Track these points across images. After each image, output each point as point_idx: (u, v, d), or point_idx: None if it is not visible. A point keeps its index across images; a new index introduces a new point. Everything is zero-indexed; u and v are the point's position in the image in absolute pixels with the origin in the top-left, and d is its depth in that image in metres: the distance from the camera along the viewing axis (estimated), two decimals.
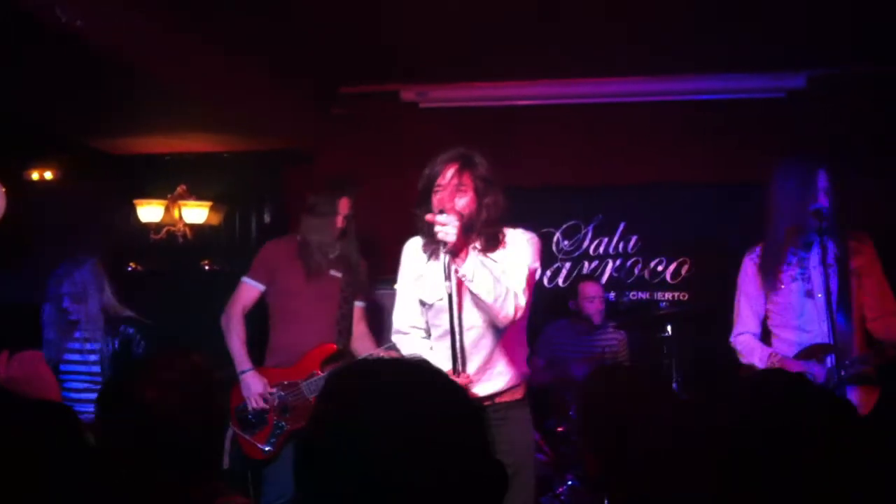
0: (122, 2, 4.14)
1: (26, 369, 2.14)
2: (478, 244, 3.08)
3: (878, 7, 4.46)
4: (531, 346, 5.16)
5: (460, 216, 2.95)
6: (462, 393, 1.31)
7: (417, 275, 3.24)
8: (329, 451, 1.18)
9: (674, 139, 6.00)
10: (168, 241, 6.41)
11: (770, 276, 3.66)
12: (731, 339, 3.84)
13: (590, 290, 5.42)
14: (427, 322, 3.26)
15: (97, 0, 4.01)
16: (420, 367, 1.31)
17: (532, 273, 3.14)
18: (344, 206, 4.38)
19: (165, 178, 6.45)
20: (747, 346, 3.77)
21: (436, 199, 3.05)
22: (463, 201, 3.05)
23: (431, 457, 1.16)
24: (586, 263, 6.22)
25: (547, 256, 6.27)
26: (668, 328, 5.02)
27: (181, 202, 6.40)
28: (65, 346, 4.13)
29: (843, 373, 3.40)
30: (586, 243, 6.26)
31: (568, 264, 6.24)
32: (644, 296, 6.15)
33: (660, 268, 6.14)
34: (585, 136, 6.12)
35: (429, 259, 3.19)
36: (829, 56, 5.46)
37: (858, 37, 5.00)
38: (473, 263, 2.92)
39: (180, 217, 6.42)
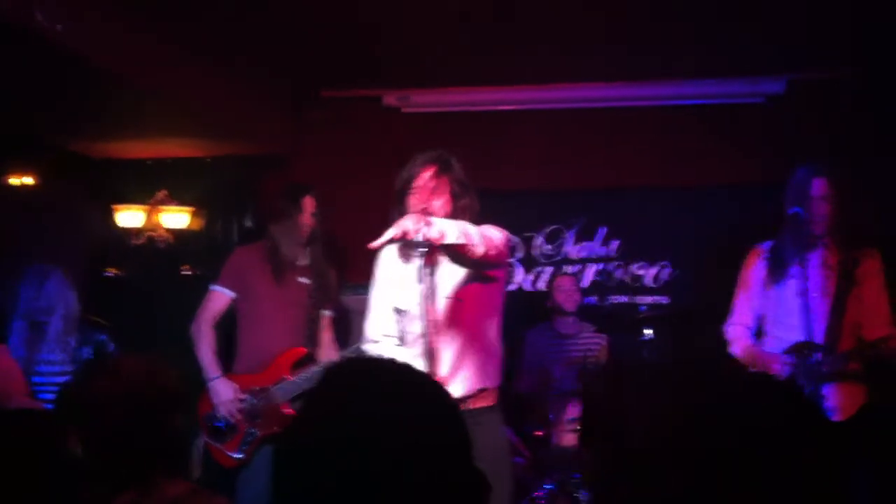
0: (102, 7, 4.12)
1: None
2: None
3: (857, 12, 4.50)
4: (514, 355, 5.23)
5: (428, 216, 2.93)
6: (449, 395, 1.31)
7: (393, 280, 3.21)
8: (315, 451, 1.17)
9: (654, 144, 6.04)
10: (148, 246, 6.38)
11: (774, 273, 3.74)
12: (724, 326, 3.90)
13: (562, 282, 5.45)
14: (401, 330, 3.22)
15: (77, 5, 4.00)
16: (410, 368, 1.31)
17: (501, 272, 3.13)
18: (309, 204, 4.36)
19: (146, 183, 6.42)
20: (733, 334, 3.86)
21: (412, 201, 3.04)
22: (439, 203, 3.04)
23: (420, 458, 1.16)
24: (567, 267, 6.24)
25: (528, 260, 6.29)
26: (649, 331, 5.03)
27: (162, 207, 6.38)
28: (35, 359, 4.10)
29: (824, 369, 3.44)
30: (567, 247, 6.28)
31: (549, 268, 6.26)
32: (625, 299, 6.17)
33: (640, 272, 6.17)
34: (566, 140, 6.14)
35: (405, 264, 3.16)
36: (808, 61, 5.50)
37: (838, 41, 5.04)
38: (441, 222, 2.82)
39: (161, 222, 6.39)
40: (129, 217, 6.33)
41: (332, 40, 5.02)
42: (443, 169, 3.08)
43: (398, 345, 3.22)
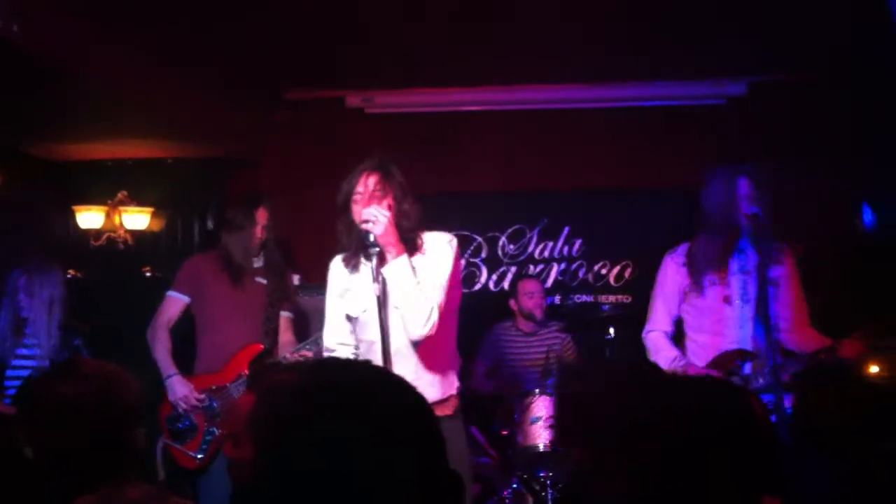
0: (58, 8, 4.06)
1: None
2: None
3: (817, 17, 4.57)
4: (474, 352, 5.24)
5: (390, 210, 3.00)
6: (422, 397, 1.30)
7: (343, 290, 3.22)
8: (288, 452, 1.16)
9: (617, 145, 6.09)
10: (109, 247, 6.30)
11: (693, 279, 3.69)
12: (643, 334, 3.86)
13: (528, 286, 5.48)
14: (356, 338, 3.23)
15: (33, 5, 3.93)
16: (379, 369, 1.30)
17: (452, 277, 3.12)
18: (262, 216, 4.39)
19: (106, 184, 6.34)
20: (655, 344, 3.79)
21: (356, 209, 3.07)
22: (383, 207, 3.04)
23: (396, 459, 1.15)
24: (531, 267, 6.27)
25: (492, 260, 6.31)
26: (611, 330, 5.07)
27: (122, 208, 6.30)
28: (12, 353, 4.10)
29: (783, 377, 3.43)
30: (531, 247, 6.31)
31: (513, 268, 6.29)
32: (588, 299, 6.22)
33: (603, 271, 6.22)
34: (530, 141, 6.17)
35: (351, 273, 3.18)
36: (770, 63, 5.58)
37: (799, 45, 5.11)
38: (401, 263, 2.95)
39: (121, 223, 6.31)
40: (88, 218, 6.25)
41: (296, 42, 4.99)
42: (383, 174, 3.11)
43: (354, 353, 3.22)
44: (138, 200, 6.37)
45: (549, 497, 4.48)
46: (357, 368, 1.32)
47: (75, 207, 6.26)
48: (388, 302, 2.99)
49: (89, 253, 6.29)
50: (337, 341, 3.26)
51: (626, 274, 6.19)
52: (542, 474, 4.56)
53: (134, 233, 6.35)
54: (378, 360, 2.92)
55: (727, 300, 3.60)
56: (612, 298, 6.17)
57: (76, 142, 5.93)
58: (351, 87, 6.13)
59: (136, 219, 6.34)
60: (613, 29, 4.84)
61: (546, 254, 6.29)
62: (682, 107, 6.04)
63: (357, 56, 5.29)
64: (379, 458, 1.14)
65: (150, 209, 6.38)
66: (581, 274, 6.25)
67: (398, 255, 2.96)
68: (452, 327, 3.20)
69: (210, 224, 6.48)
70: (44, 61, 4.08)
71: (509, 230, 6.33)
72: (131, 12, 4.25)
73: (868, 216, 5.60)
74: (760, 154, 5.50)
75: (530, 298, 5.39)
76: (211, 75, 5.27)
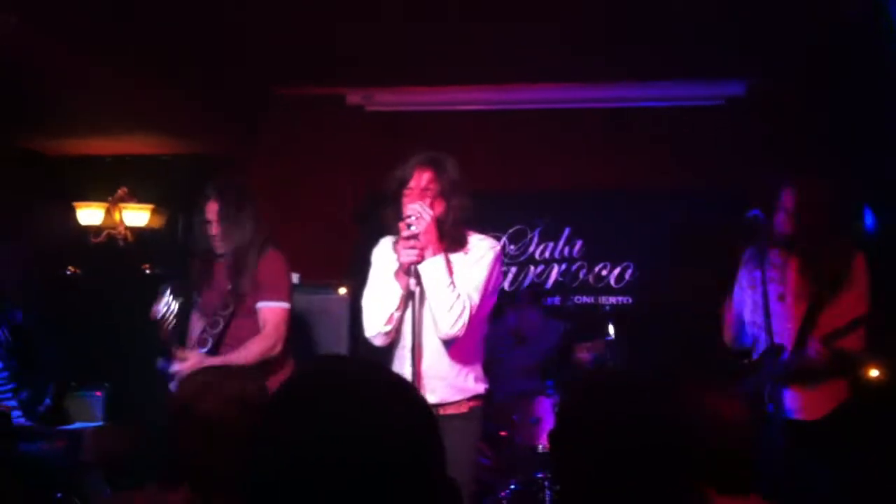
0: (51, 7, 4.03)
1: None
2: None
3: (810, 19, 4.56)
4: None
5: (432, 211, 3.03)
6: (426, 402, 1.29)
7: (390, 276, 3.17)
8: (286, 452, 1.15)
9: (616, 145, 6.07)
10: (108, 244, 6.29)
11: (745, 276, 3.77)
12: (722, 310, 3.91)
13: (532, 316, 5.48)
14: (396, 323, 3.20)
15: (25, 4, 3.91)
16: (382, 369, 1.29)
17: (488, 283, 3.13)
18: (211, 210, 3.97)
19: (106, 181, 6.33)
20: (727, 322, 3.87)
21: (405, 201, 3.09)
22: (430, 203, 3.07)
23: (393, 461, 1.14)
24: (532, 268, 6.26)
25: None
26: (611, 331, 5.06)
27: (122, 205, 6.28)
28: None
29: (780, 369, 3.45)
30: (532, 248, 6.30)
31: (514, 269, 6.28)
32: (589, 300, 6.21)
33: (604, 272, 6.21)
34: (530, 141, 6.15)
35: (397, 259, 3.14)
36: (768, 64, 5.56)
37: (797, 46, 5.10)
38: (437, 262, 2.99)
39: (121, 220, 6.30)
40: (88, 215, 6.24)
41: (297, 40, 4.98)
42: (436, 169, 3.13)
43: (389, 340, 3.21)
44: (138, 197, 6.36)
45: (548, 498, 4.47)
46: (357, 368, 1.31)
47: (75, 204, 6.25)
48: (422, 297, 3.02)
49: (89, 249, 6.29)
50: (381, 326, 3.18)
51: (627, 275, 6.17)
52: (540, 475, 4.55)
53: (134, 229, 6.34)
54: (408, 351, 2.99)
55: (765, 296, 3.61)
56: (612, 300, 6.16)
57: (74, 138, 5.93)
58: (351, 84, 6.11)
59: (137, 215, 6.33)
60: (612, 29, 4.83)
61: (547, 254, 6.28)
62: (681, 107, 6.02)
63: (357, 53, 5.28)
64: (373, 459, 1.13)
65: (150, 206, 6.38)
66: (582, 275, 6.23)
67: (435, 253, 2.99)
68: (480, 332, 3.22)
69: None
70: (32, 58, 4.07)
71: (510, 231, 6.32)
72: (122, 9, 4.23)
73: (869, 218, 5.57)
74: (759, 155, 5.50)
75: (529, 326, 5.40)
76: (212, 73, 5.26)
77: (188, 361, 3.59)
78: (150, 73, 4.90)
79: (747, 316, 3.78)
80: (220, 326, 3.76)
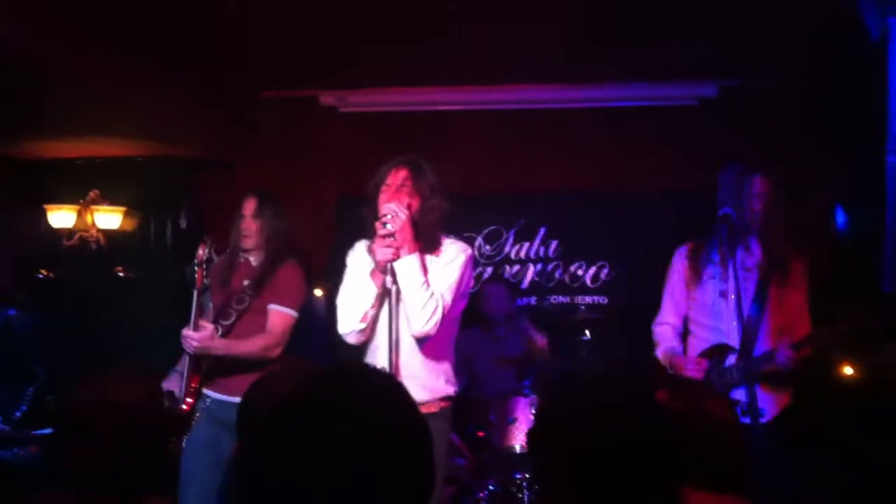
0: (26, 6, 4.00)
1: None
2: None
3: (791, 20, 4.59)
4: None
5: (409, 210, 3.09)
6: (409, 398, 1.31)
7: (365, 275, 3.22)
8: (282, 451, 1.19)
9: (591, 146, 6.09)
10: (80, 247, 6.24)
11: (693, 273, 3.77)
12: (652, 326, 3.94)
13: (492, 290, 5.48)
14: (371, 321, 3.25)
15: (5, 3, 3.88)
16: (372, 370, 1.31)
17: (460, 285, 3.20)
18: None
19: (77, 183, 6.28)
20: (657, 337, 3.89)
21: (381, 199, 3.15)
22: (406, 202, 3.13)
23: (380, 457, 1.16)
24: (507, 267, 6.27)
25: None
26: (587, 331, 5.08)
27: (94, 207, 6.23)
28: None
29: (738, 373, 3.48)
30: (507, 248, 6.31)
31: (489, 269, 6.29)
32: (564, 300, 6.23)
33: (580, 272, 6.23)
34: (505, 141, 6.17)
35: (372, 260, 3.21)
36: (740, 65, 5.60)
37: (770, 47, 5.14)
38: (411, 261, 3.05)
39: (93, 223, 6.25)
40: (60, 217, 6.18)
41: (270, 42, 4.96)
42: (413, 170, 3.20)
43: (363, 338, 3.25)
44: (111, 199, 6.31)
45: (526, 499, 4.48)
46: (361, 374, 1.33)
47: (47, 207, 6.19)
48: (398, 295, 3.07)
49: (61, 253, 6.23)
50: (355, 323, 3.22)
51: (603, 275, 6.20)
52: (518, 476, 4.55)
53: (106, 232, 6.29)
54: (384, 349, 3.05)
55: (723, 295, 3.63)
56: (588, 299, 6.19)
57: (46, 140, 5.87)
58: (325, 86, 6.10)
59: (109, 218, 6.28)
60: (585, 30, 4.84)
61: (522, 254, 6.30)
62: (653, 108, 6.06)
63: (331, 55, 5.26)
64: (378, 462, 1.16)
65: (122, 209, 6.33)
66: (557, 275, 6.26)
67: (410, 252, 3.06)
68: (451, 334, 3.30)
69: (183, 223, 6.44)
70: (9, 58, 4.03)
71: (485, 231, 6.33)
72: (103, 11, 4.21)
73: (841, 218, 5.64)
74: (732, 156, 5.53)
75: (490, 301, 5.39)
76: (185, 75, 5.22)
77: (202, 332, 3.73)
78: (129, 71, 4.87)
79: (692, 314, 3.80)
80: (232, 319, 3.88)
